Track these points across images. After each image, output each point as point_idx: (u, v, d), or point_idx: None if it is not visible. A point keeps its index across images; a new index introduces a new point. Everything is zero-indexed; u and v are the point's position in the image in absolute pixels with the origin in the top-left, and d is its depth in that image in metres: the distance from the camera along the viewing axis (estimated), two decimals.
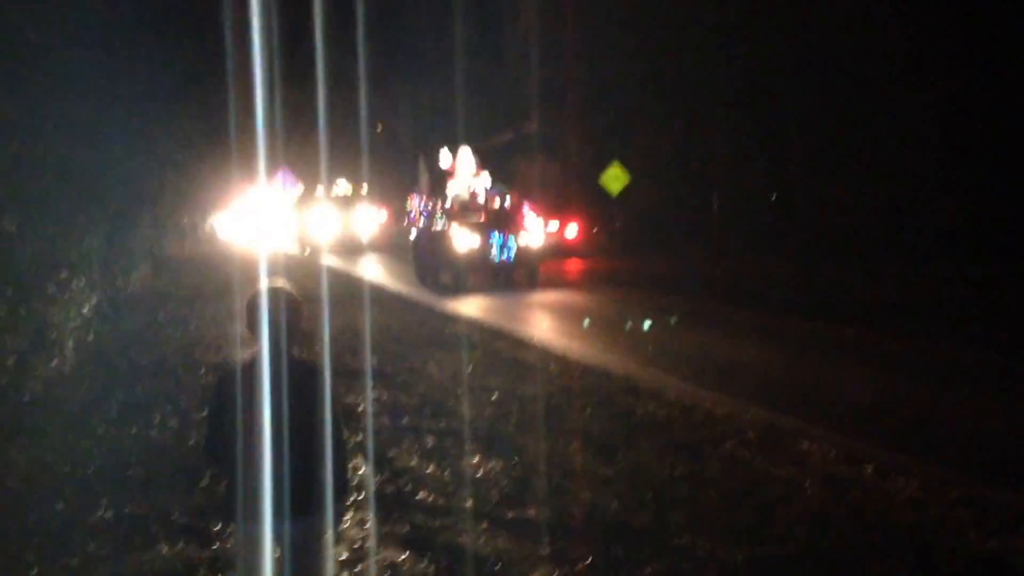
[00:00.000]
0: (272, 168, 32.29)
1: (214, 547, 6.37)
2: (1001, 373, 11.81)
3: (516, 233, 23.82)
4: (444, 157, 27.02)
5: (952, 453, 8.50)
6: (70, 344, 12.14)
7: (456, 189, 25.95)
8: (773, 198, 30.90)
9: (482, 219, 24.54)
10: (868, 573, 6.01)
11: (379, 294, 22.30)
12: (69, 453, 8.56)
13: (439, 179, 26.79)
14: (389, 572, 6.13)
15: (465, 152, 26.63)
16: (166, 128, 15.56)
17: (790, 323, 16.65)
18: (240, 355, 3.89)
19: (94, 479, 7.88)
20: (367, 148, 45.35)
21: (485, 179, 26.25)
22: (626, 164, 30.17)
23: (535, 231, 24.21)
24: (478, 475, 7.89)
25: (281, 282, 4.45)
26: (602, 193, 30.62)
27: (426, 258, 25.86)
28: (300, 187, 39.20)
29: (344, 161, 44.74)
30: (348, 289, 22.73)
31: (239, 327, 13.25)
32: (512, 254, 23.65)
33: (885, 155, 26.00)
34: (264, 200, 37.83)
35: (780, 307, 18.65)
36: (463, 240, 23.46)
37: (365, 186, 43.21)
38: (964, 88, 23.61)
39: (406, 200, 33.59)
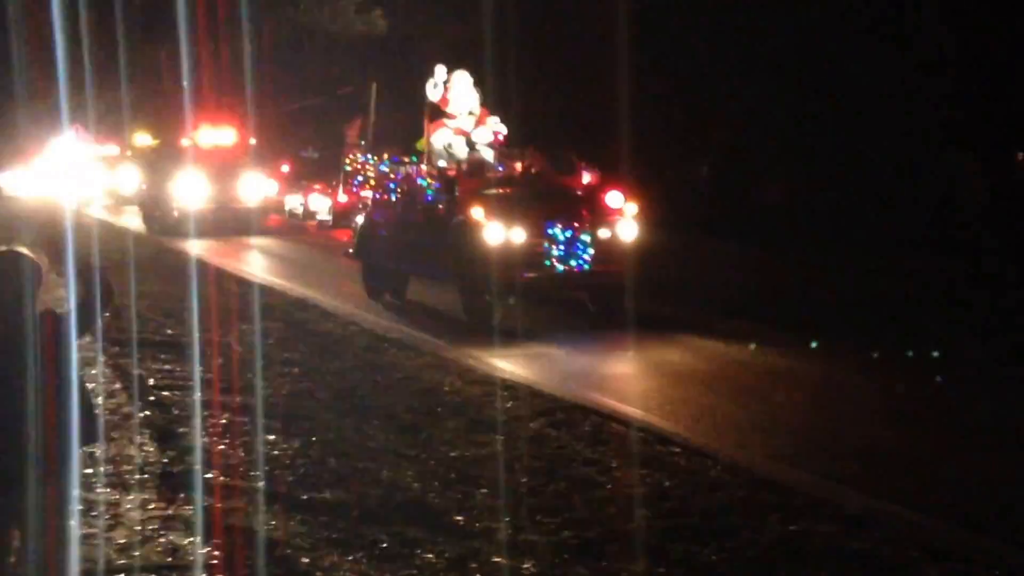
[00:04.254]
0: (68, 122, 30.79)
1: None
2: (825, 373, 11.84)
3: (592, 223, 14.59)
4: (430, 87, 16.71)
5: (756, 441, 8.92)
6: None
7: (446, 140, 16.43)
8: (704, 172, 28.06)
9: (525, 195, 14.98)
10: (671, 556, 6.21)
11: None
12: None
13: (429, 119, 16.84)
14: (172, 557, 6.04)
15: (462, 79, 16.76)
16: None
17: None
18: None
19: None
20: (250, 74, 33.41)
21: (495, 126, 16.76)
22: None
23: (623, 218, 14.80)
24: None
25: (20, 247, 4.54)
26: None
27: (391, 258, 16.55)
28: (111, 144, 36.68)
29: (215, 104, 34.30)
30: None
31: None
32: (587, 258, 14.45)
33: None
34: (63, 156, 35.99)
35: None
36: (494, 233, 14.12)
37: (249, 138, 31.77)
38: None
39: (339, 156, 24.82)
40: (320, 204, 31.67)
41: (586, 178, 15.31)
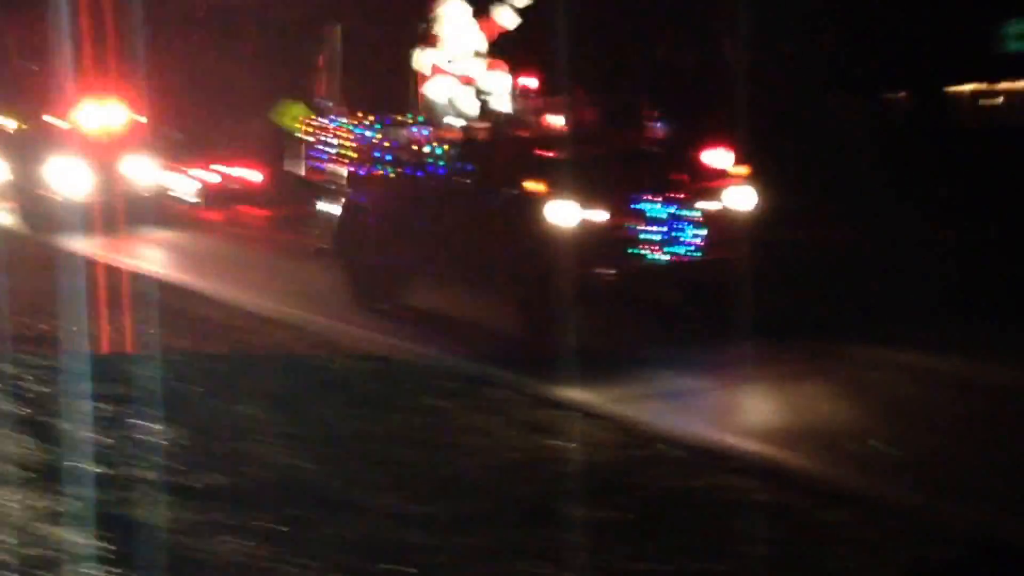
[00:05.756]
0: None
1: None
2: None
3: (695, 193, 11.03)
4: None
5: (658, 398, 8.98)
6: None
7: (447, 92, 12.61)
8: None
9: (595, 159, 11.13)
10: (570, 519, 6.25)
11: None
12: None
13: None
14: (58, 552, 5.89)
15: (457, 8, 12.77)
16: None
17: None
18: None
19: None
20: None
21: (501, 75, 12.81)
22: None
23: (735, 184, 11.24)
24: None
25: None
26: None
27: (393, 255, 12.42)
28: None
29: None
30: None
31: None
32: (697, 242, 10.86)
33: None
34: None
35: None
36: (563, 213, 10.48)
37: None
38: None
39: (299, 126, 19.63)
40: (188, 186, 31.30)
41: (655, 134, 11.85)
